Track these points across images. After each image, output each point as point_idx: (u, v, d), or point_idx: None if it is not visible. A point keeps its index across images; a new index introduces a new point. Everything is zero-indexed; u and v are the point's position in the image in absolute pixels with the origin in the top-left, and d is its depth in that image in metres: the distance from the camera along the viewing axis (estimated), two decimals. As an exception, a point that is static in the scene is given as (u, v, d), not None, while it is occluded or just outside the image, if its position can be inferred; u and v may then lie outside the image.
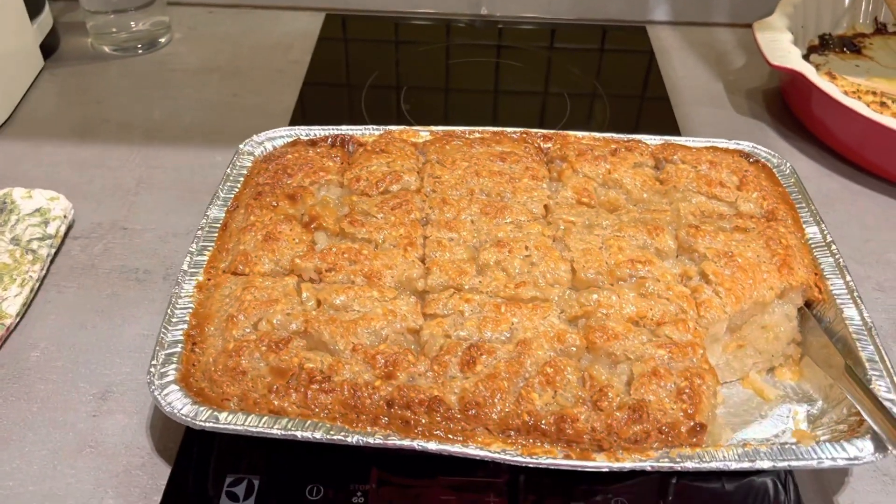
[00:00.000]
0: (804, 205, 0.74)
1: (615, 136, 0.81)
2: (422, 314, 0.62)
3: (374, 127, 0.82)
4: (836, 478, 0.61)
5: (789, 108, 1.00)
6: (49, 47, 1.07)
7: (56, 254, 0.77)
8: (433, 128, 0.82)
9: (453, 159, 0.76)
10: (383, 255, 0.66)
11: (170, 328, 0.61)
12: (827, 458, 0.54)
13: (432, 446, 0.53)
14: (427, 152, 0.78)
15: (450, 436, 0.54)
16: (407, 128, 0.82)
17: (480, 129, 0.82)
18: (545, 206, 0.72)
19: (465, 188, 0.73)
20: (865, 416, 0.56)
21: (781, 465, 0.54)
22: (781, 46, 0.94)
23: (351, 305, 0.62)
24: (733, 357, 0.66)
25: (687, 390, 0.57)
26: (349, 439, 0.53)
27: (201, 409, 0.55)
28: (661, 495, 0.60)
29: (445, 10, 1.22)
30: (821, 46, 1.08)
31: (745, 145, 0.81)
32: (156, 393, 0.56)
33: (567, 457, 0.53)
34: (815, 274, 0.67)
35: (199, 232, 0.69)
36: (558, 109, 1.04)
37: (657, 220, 0.70)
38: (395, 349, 0.59)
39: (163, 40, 1.13)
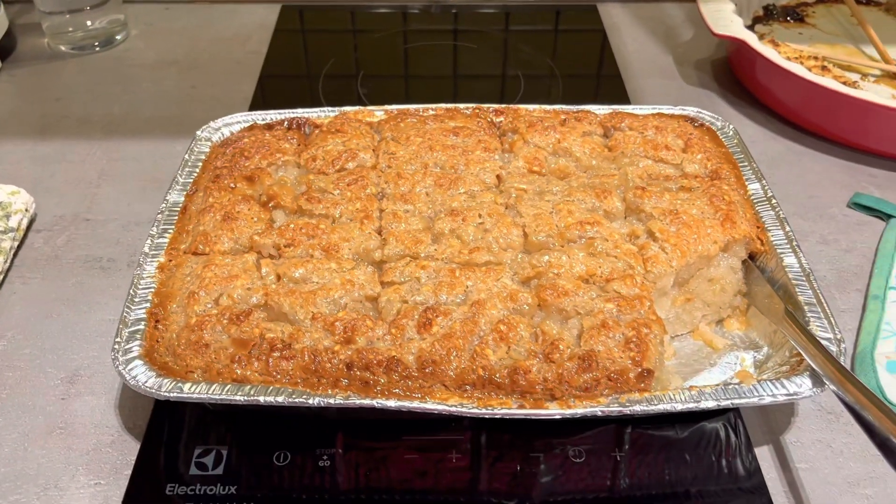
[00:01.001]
0: (746, 163, 0.77)
1: (564, 107, 0.83)
2: (379, 282, 0.64)
3: (330, 109, 0.84)
4: (782, 418, 0.64)
5: (735, 76, 1.03)
6: (5, 49, 1.08)
7: (19, 247, 0.78)
8: (388, 107, 0.84)
9: (407, 136, 0.78)
10: (340, 229, 0.67)
11: (133, 307, 0.62)
12: (768, 395, 0.57)
13: (391, 404, 0.55)
14: (382, 130, 0.80)
15: (408, 394, 0.56)
16: (362, 108, 0.84)
17: (434, 105, 0.84)
18: (497, 176, 0.74)
19: (419, 162, 0.75)
20: (804, 356, 0.58)
21: (725, 402, 0.57)
22: (724, 16, 0.97)
23: (310, 278, 0.64)
24: (682, 310, 0.68)
25: (634, 339, 0.59)
26: (310, 401, 0.55)
27: (165, 380, 0.57)
28: (617, 444, 0.62)
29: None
30: (765, 16, 1.12)
31: (690, 110, 0.84)
32: (120, 368, 0.57)
33: (521, 407, 0.55)
34: (758, 227, 0.70)
35: (159, 216, 0.71)
36: (515, 90, 1.06)
37: (605, 184, 0.73)
38: (354, 315, 0.60)
39: (119, 37, 1.13)
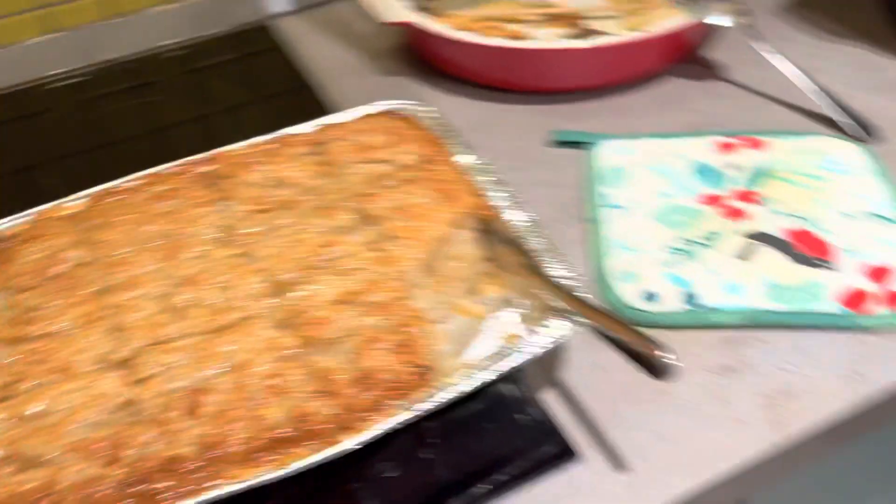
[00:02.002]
0: (455, 139, 0.81)
1: (269, 136, 0.82)
2: (131, 383, 0.59)
3: (20, 215, 0.76)
4: (553, 357, 0.69)
5: (421, 56, 1.08)
6: None
7: None
8: (85, 192, 0.77)
9: (115, 217, 0.73)
10: (70, 343, 0.61)
11: None
12: (537, 348, 0.62)
13: (184, 506, 0.52)
14: (85, 219, 0.74)
15: (199, 487, 0.53)
16: (56, 203, 0.76)
17: (135, 176, 0.79)
18: (223, 228, 0.71)
19: (136, 242, 0.70)
20: (552, 301, 0.63)
21: (504, 369, 0.60)
22: (387, 3, 1.00)
23: (53, 408, 0.57)
24: (440, 294, 0.71)
25: (404, 342, 0.61)
26: (93, 542, 0.50)
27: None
28: (423, 441, 0.63)
29: (65, 68, 1.14)
30: (431, -8, 1.17)
31: (392, 104, 0.87)
32: None
33: (315, 450, 0.55)
34: (479, 195, 0.74)
35: None
36: (218, 129, 1.03)
37: (331, 201, 0.73)
38: (115, 429, 0.56)
39: None
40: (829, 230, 0.75)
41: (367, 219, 0.71)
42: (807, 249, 0.73)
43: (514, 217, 0.72)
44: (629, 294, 0.71)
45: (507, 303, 0.72)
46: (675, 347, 0.67)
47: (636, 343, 0.54)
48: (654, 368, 0.53)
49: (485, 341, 0.68)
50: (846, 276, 0.71)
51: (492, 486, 0.61)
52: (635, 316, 0.70)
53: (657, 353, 0.53)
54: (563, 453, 0.62)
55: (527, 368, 0.68)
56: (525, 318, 0.69)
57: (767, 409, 0.63)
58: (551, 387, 0.67)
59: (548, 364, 0.69)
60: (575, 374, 0.68)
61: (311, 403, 0.56)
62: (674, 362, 0.53)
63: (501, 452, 0.63)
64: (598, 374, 0.67)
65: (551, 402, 0.66)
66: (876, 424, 0.67)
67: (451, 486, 0.61)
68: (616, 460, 0.61)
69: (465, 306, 0.72)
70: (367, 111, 0.86)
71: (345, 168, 0.77)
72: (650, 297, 0.71)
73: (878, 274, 0.70)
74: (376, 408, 0.57)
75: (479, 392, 0.66)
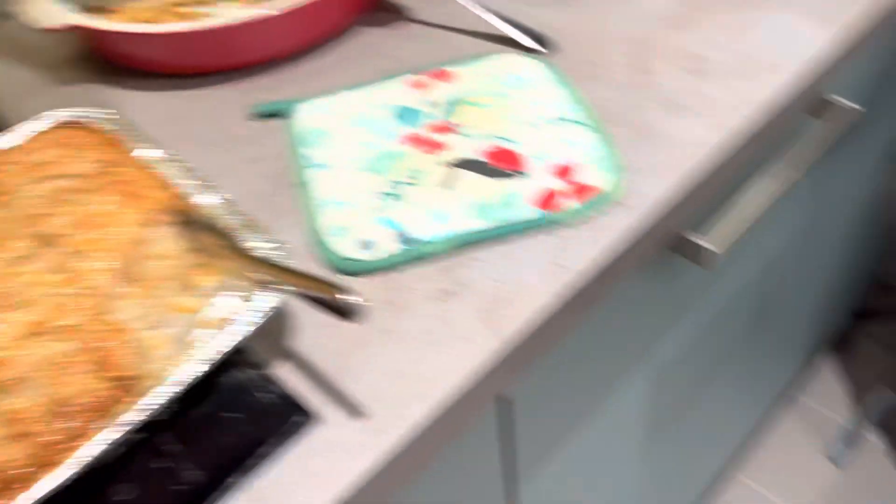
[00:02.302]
0: (137, 137, 0.77)
1: (-76, 179, 0.73)
2: None
3: None
4: (281, 331, 0.68)
5: (104, 58, 1.01)
6: None
7: None
8: None
9: None
10: None
11: None
12: (244, 325, 0.60)
13: None
14: None
15: None
16: None
17: None
18: None
19: None
20: (254, 277, 0.62)
21: (216, 351, 0.59)
22: (45, 9, 0.92)
23: None
24: (149, 298, 0.67)
25: (102, 359, 0.57)
26: None
27: None
28: (161, 452, 0.60)
29: None
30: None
31: (64, 114, 0.80)
32: None
33: (13, 499, 0.50)
34: (169, 188, 0.71)
35: None
36: None
37: (3, 232, 0.67)
38: None
39: None
40: (518, 141, 0.79)
41: (46, 241, 0.65)
42: (501, 164, 0.77)
43: (209, 200, 0.70)
44: (345, 247, 0.72)
45: (225, 288, 0.70)
46: (398, 287, 0.70)
47: (324, 293, 0.55)
48: (344, 312, 0.54)
49: (203, 333, 0.66)
50: (537, 180, 0.75)
51: (246, 473, 0.60)
52: (354, 266, 0.71)
53: (339, 297, 0.53)
54: (306, 419, 0.62)
55: (256, 346, 0.67)
56: (244, 299, 0.68)
57: (486, 320, 0.66)
58: (286, 359, 0.66)
59: (276, 336, 0.68)
60: (304, 339, 0.67)
61: (3, 451, 0.52)
62: (358, 302, 0.54)
63: (249, 437, 0.62)
64: (324, 333, 0.67)
65: (288, 373, 0.65)
66: (587, 304, 0.72)
67: (204, 486, 0.59)
68: (355, 410, 0.62)
69: (181, 303, 0.68)
70: (37, 128, 0.79)
71: (17, 194, 0.70)
72: (366, 245, 0.72)
73: (563, 172, 0.76)
74: (81, 434, 0.53)
75: (214, 385, 0.65)
